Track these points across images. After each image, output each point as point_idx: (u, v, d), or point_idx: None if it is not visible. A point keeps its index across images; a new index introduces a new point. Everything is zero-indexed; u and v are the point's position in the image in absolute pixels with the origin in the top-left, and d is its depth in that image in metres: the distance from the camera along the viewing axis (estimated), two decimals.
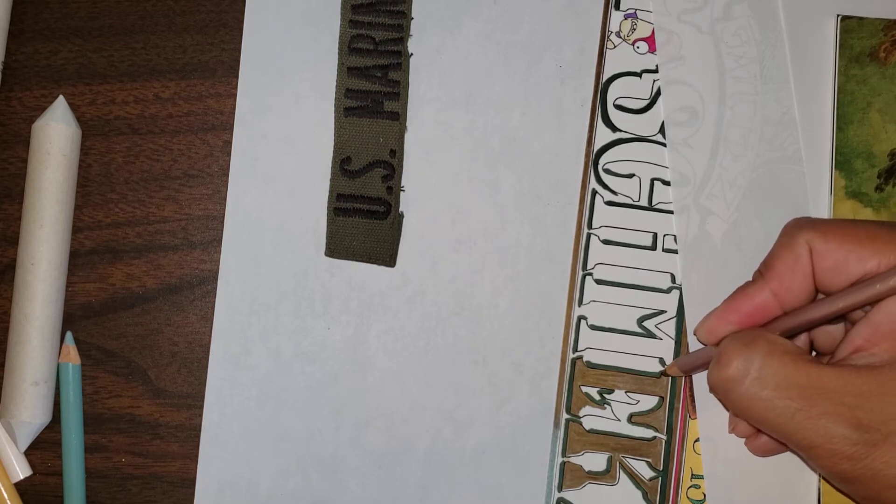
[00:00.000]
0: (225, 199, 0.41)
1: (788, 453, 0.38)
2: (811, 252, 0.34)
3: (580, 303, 0.40)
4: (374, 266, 0.40)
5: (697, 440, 0.39)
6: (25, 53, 0.41)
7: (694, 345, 0.39)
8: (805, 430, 0.31)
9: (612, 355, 0.40)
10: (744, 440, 0.38)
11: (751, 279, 0.36)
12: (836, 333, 0.36)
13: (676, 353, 0.39)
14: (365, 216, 0.40)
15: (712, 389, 0.34)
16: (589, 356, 0.40)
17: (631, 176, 0.40)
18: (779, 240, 0.35)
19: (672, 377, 0.39)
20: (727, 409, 0.38)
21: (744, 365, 0.32)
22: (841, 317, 0.35)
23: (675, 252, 0.40)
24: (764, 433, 0.36)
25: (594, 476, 0.39)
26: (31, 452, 0.40)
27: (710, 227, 0.39)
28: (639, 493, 0.39)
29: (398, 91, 0.40)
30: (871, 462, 0.31)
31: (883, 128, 0.39)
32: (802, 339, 0.36)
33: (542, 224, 0.40)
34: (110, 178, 0.41)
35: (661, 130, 0.40)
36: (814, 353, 0.37)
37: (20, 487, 0.40)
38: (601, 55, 0.41)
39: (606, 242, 0.40)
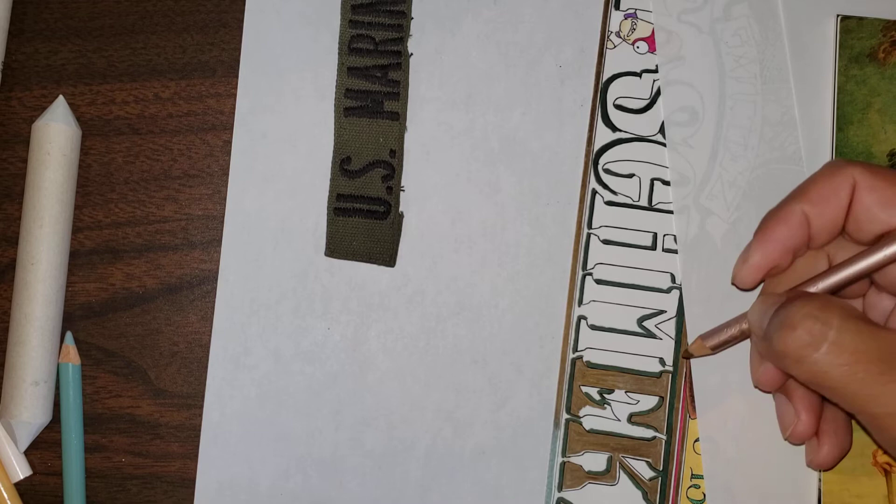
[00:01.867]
0: (225, 199, 0.41)
1: (789, 454, 0.38)
2: (854, 186, 0.33)
3: (580, 303, 0.40)
4: (374, 266, 0.40)
5: (697, 440, 0.39)
6: (25, 53, 0.41)
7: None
8: (883, 396, 0.30)
9: (612, 355, 0.40)
10: (751, 374, 0.37)
11: (779, 204, 0.35)
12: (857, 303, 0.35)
13: (676, 353, 0.39)
14: (365, 216, 0.40)
15: (776, 357, 0.33)
16: (589, 356, 0.40)
17: (631, 176, 0.40)
18: (819, 171, 0.34)
19: (692, 358, 0.38)
20: (793, 378, 0.35)
21: (821, 330, 0.31)
22: (858, 288, 0.34)
23: (675, 252, 0.40)
24: (790, 379, 0.35)
25: (594, 476, 0.39)
26: (31, 452, 0.40)
27: (710, 227, 0.39)
28: (639, 493, 0.39)
29: (398, 91, 0.40)
30: None
31: (882, 128, 0.39)
32: None
33: (542, 224, 0.40)
34: (110, 178, 0.41)
35: (661, 130, 0.40)
36: None
37: (20, 487, 0.40)
38: (601, 55, 0.41)
39: (606, 242, 0.40)
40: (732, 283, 0.37)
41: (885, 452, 0.37)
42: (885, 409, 0.31)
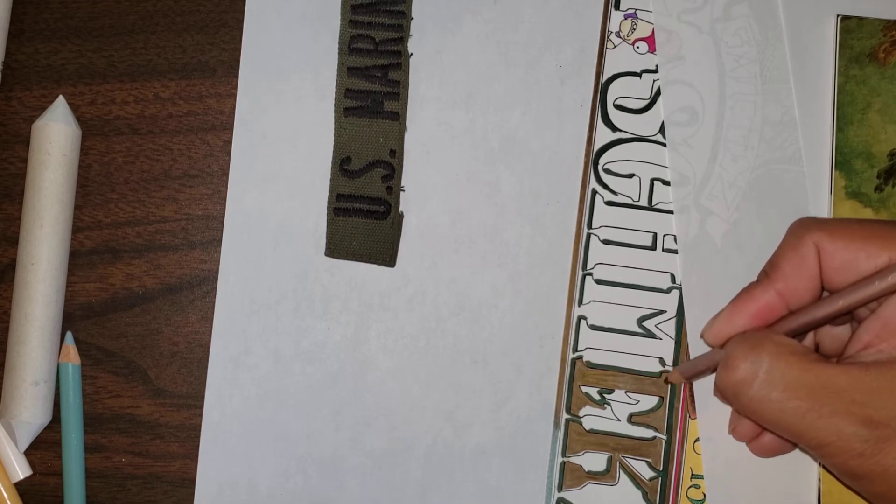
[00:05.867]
0: (225, 199, 0.41)
1: (789, 454, 0.38)
2: (819, 252, 0.34)
3: (580, 303, 0.40)
4: (374, 266, 0.40)
5: (697, 440, 0.39)
6: (25, 53, 0.41)
7: (694, 348, 0.39)
8: (816, 429, 0.32)
9: (612, 355, 0.40)
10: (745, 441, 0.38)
11: (756, 280, 0.36)
12: (843, 335, 0.36)
13: (676, 353, 0.39)
14: (365, 216, 0.40)
15: (721, 393, 0.34)
16: (589, 356, 0.40)
17: (631, 176, 0.40)
18: (784, 240, 0.35)
19: (668, 383, 0.39)
20: (738, 412, 0.37)
21: (752, 368, 0.32)
22: (848, 316, 0.35)
23: (675, 252, 0.40)
24: (768, 433, 0.36)
25: (594, 476, 0.39)
26: (31, 452, 0.40)
27: (710, 227, 0.39)
28: (639, 493, 0.39)
29: (398, 91, 0.40)
30: (882, 458, 0.31)
31: (882, 128, 0.39)
32: (808, 342, 0.36)
33: (542, 224, 0.40)
34: (110, 178, 0.41)
35: (661, 130, 0.40)
36: None
37: (20, 487, 0.40)
38: (601, 55, 0.41)
39: (606, 242, 0.40)
40: (700, 337, 0.38)
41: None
42: (821, 441, 0.32)
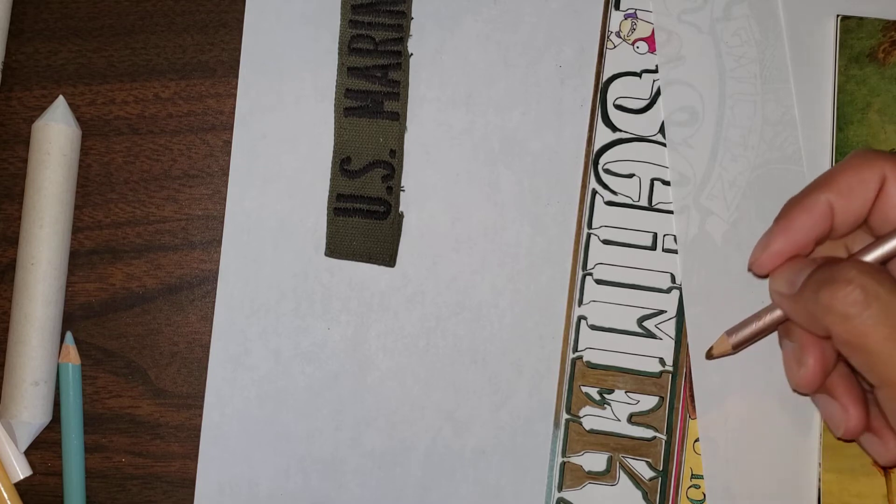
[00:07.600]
0: (225, 199, 0.41)
1: (789, 454, 0.38)
2: (883, 183, 0.32)
3: (580, 303, 0.40)
4: (374, 266, 0.40)
5: (697, 440, 0.39)
6: (25, 53, 0.41)
7: (695, 348, 0.39)
8: None
9: (612, 355, 0.40)
10: (789, 378, 0.36)
11: (795, 196, 0.35)
12: None
13: (676, 353, 0.39)
14: (365, 216, 0.40)
15: (819, 312, 0.32)
16: (589, 356, 0.40)
17: (631, 176, 0.40)
18: (847, 160, 0.34)
19: (713, 358, 0.38)
20: (833, 339, 0.34)
21: (874, 289, 0.31)
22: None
23: (675, 252, 0.40)
24: (812, 358, 0.35)
25: (594, 476, 0.39)
26: (31, 452, 0.40)
27: (710, 227, 0.39)
28: (639, 493, 0.39)
29: (398, 91, 0.40)
30: None
31: (882, 128, 0.39)
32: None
33: (542, 224, 0.40)
34: (110, 178, 0.41)
35: (661, 130, 0.40)
36: None
37: (20, 487, 0.40)
38: (601, 55, 0.41)
39: (606, 242, 0.40)
40: (749, 269, 0.37)
41: None
42: None
